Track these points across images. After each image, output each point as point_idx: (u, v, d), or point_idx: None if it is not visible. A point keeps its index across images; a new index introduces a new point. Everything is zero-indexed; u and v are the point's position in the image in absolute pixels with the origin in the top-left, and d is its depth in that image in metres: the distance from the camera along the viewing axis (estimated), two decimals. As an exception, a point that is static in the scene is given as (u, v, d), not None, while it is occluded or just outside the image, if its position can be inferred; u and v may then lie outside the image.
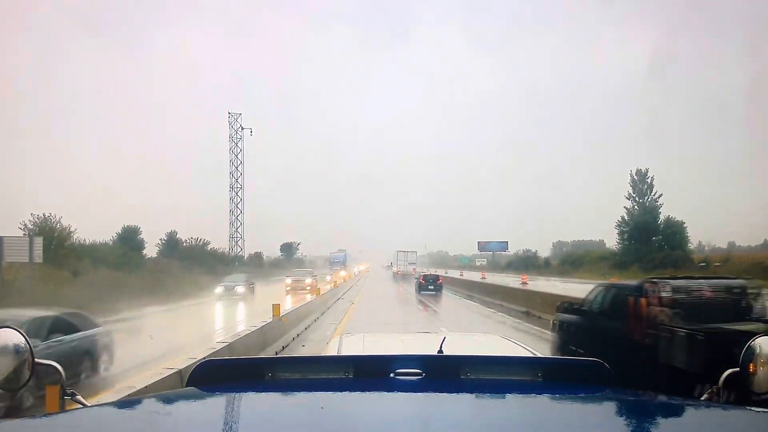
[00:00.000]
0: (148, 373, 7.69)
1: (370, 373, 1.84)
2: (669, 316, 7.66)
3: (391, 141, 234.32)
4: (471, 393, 1.75)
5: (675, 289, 7.99)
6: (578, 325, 10.38)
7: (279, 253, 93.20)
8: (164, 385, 6.34)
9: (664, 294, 7.90)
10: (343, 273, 60.39)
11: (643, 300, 8.06)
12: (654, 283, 8.27)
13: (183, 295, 32.69)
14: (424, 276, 39.69)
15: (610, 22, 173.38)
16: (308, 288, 35.92)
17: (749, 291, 8.09)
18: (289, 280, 39.28)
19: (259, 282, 43.40)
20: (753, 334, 4.28)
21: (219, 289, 32.96)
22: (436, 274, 42.33)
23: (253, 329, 12.48)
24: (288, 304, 22.06)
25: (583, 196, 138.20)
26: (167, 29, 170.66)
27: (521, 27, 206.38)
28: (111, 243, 42.55)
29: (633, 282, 9.43)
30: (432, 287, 36.69)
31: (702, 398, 1.84)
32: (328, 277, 50.22)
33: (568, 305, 11.41)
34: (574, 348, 10.18)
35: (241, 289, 33.05)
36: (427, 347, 2.37)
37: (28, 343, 1.80)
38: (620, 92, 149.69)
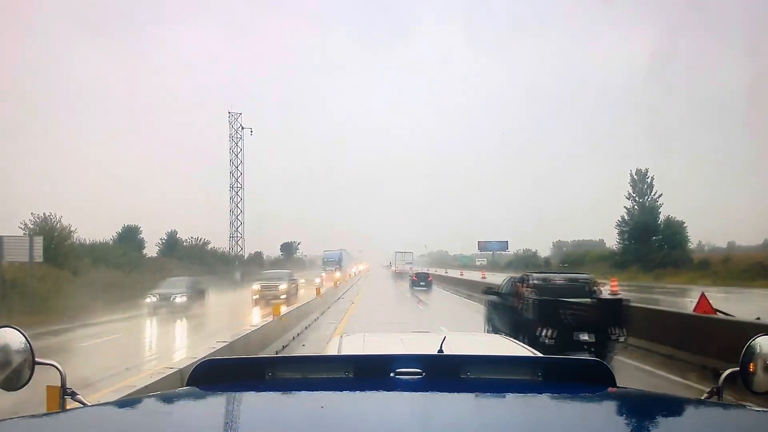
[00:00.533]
0: (148, 373, 7.69)
1: (370, 373, 1.84)
2: (529, 293, 12.42)
3: (392, 140, 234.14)
4: (471, 393, 1.75)
5: (537, 278, 13.00)
6: (495, 301, 15.61)
7: (279, 253, 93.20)
8: (164, 384, 6.34)
9: (530, 281, 12.88)
10: (338, 274, 51.63)
11: (519, 284, 13.24)
12: (527, 275, 13.42)
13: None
14: (417, 274, 45.68)
15: (610, 22, 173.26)
16: (283, 297, 28.13)
17: (589, 281, 13.19)
18: (256, 287, 30.57)
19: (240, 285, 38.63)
20: (578, 304, 10.56)
21: (150, 299, 25.50)
22: (427, 272, 48.90)
23: (254, 329, 12.49)
24: (246, 325, 15.03)
25: (583, 196, 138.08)
26: (167, 29, 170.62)
27: (521, 27, 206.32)
28: (111, 242, 42.59)
29: (519, 275, 14.58)
30: (423, 283, 42.28)
31: (702, 397, 1.84)
32: (317, 280, 39.86)
33: (488, 289, 16.92)
34: (493, 316, 15.66)
35: (181, 299, 25.47)
36: (427, 347, 2.37)
37: (29, 342, 1.79)
38: (620, 92, 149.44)
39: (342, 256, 79.61)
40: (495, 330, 14.35)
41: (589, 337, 11.34)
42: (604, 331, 11.33)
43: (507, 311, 13.86)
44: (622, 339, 11.62)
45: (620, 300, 13.18)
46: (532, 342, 9.72)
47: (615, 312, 11.85)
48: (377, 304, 30.51)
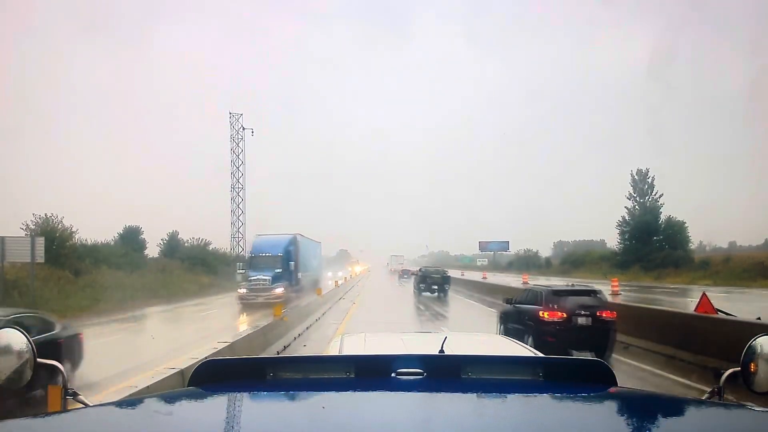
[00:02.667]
0: (149, 373, 7.69)
1: (372, 373, 1.84)
2: (420, 272, 38.60)
3: (393, 141, 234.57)
4: (472, 393, 1.75)
5: (423, 268, 40.46)
6: (415, 276, 41.97)
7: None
8: (166, 384, 6.35)
9: (421, 269, 39.62)
10: (279, 290, 28.39)
11: (418, 270, 42.37)
12: (421, 267, 42.63)
13: (168, 297, 31.85)
14: (403, 270, 66.07)
15: (610, 22, 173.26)
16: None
17: (443, 269, 37.86)
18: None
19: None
20: (434, 276, 36.25)
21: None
22: (410, 269, 66.26)
23: (255, 329, 12.50)
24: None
25: (583, 196, 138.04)
26: (168, 29, 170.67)
27: (522, 27, 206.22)
28: (112, 243, 42.56)
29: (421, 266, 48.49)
30: (406, 276, 59.08)
31: (703, 397, 1.84)
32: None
33: (413, 273, 49.10)
34: (415, 283, 38.56)
35: None
36: (428, 347, 2.37)
37: (30, 342, 1.80)
38: (621, 92, 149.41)
39: (295, 249, 34.54)
40: (414, 286, 37.51)
41: (437, 286, 33.64)
42: (442, 285, 33.80)
43: (416, 279, 37.65)
44: (447, 287, 34.04)
45: (449, 276, 35.42)
46: (418, 288, 35.60)
47: (446, 278, 34.58)
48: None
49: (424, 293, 33.90)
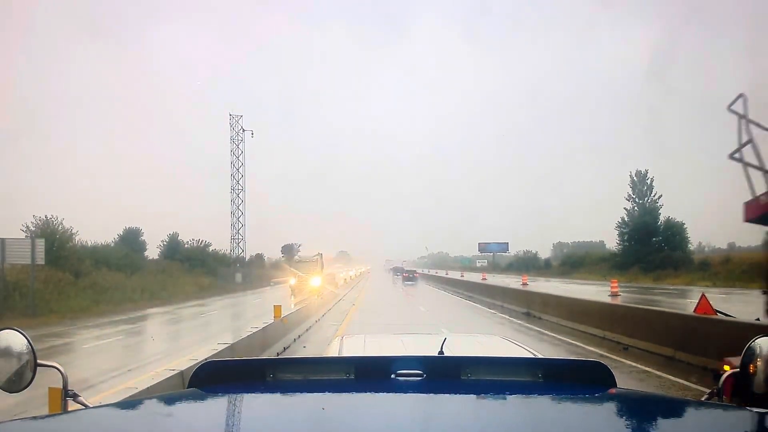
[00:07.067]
0: (150, 374, 7.68)
1: (371, 374, 1.85)
2: (393, 268, 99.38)
3: (393, 142, 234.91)
4: (472, 394, 1.75)
5: (394, 266, 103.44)
6: (392, 270, 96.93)
7: (280, 255, 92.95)
8: (166, 385, 6.34)
9: (393, 267, 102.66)
10: None
11: (392, 268, 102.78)
12: (396, 265, 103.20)
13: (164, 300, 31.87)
14: (392, 267, 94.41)
15: (610, 23, 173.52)
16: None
17: (402, 267, 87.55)
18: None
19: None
20: (400, 270, 79.94)
21: None
22: (399, 266, 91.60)
23: (255, 330, 12.49)
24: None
25: (583, 197, 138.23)
26: (168, 31, 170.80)
27: (521, 27, 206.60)
28: (113, 244, 42.54)
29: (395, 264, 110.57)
30: (399, 274, 75.39)
31: (702, 399, 1.84)
32: None
33: (391, 268, 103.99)
34: (392, 272, 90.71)
35: None
36: (428, 348, 2.37)
37: (30, 344, 1.80)
38: (620, 93, 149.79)
39: None
40: (392, 273, 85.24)
41: (399, 273, 72.96)
42: (402, 273, 69.91)
43: (392, 270, 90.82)
44: (404, 273, 66.43)
45: (404, 269, 75.12)
46: (392, 274, 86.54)
47: (402, 269, 75.50)
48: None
49: (394, 276, 71.74)
